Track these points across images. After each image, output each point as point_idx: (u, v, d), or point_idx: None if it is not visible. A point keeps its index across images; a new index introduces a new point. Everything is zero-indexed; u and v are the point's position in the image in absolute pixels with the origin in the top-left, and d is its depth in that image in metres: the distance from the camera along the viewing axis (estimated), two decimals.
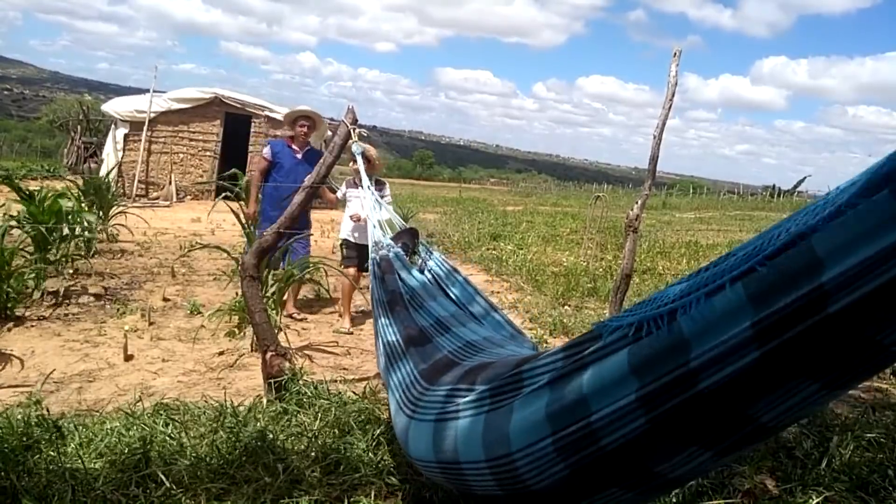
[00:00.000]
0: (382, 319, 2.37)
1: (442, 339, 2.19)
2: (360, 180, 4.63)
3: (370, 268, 2.73)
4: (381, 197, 4.73)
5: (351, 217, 5.23)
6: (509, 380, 1.51)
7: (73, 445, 2.64)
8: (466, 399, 1.63)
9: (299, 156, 5.65)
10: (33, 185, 8.37)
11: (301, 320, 5.55)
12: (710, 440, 1.17)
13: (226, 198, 6.67)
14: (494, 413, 1.49)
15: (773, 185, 41.54)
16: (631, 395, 1.16)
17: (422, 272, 2.71)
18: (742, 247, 1.08)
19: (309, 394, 3.28)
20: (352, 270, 5.31)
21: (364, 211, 4.45)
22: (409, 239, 2.96)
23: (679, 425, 1.15)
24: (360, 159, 3.77)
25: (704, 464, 1.23)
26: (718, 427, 1.14)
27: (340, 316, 5.59)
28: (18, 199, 6.45)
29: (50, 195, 6.58)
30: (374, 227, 3.03)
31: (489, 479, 1.48)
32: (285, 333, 4.44)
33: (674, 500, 2.50)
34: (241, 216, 6.01)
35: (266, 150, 5.73)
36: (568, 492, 1.35)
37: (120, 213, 8.94)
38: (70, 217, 6.54)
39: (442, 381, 1.87)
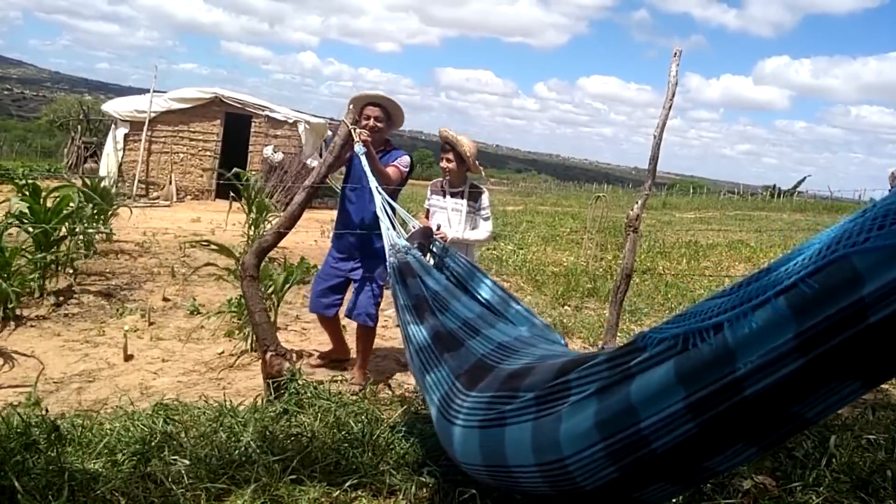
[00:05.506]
0: (411, 326, 2.38)
1: (473, 342, 2.20)
2: (447, 185, 3.80)
3: (390, 273, 2.71)
4: (477, 210, 3.85)
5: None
6: (554, 388, 1.56)
7: (72, 446, 2.64)
8: (511, 406, 1.67)
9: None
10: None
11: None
12: (757, 436, 1.24)
13: (233, 199, 6.62)
14: (541, 421, 1.55)
15: (774, 185, 41.52)
16: (679, 402, 1.23)
17: (440, 270, 2.70)
18: (781, 262, 1.15)
19: (309, 394, 3.27)
20: None
21: (451, 228, 3.65)
22: (423, 238, 2.92)
23: (726, 427, 1.22)
24: (364, 159, 3.43)
25: (750, 456, 1.31)
26: (764, 425, 1.22)
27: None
28: (21, 197, 6.40)
29: (57, 194, 6.53)
30: (388, 228, 2.97)
31: (540, 481, 1.55)
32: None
33: (674, 500, 2.49)
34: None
35: (402, 158, 3.87)
36: (619, 489, 1.42)
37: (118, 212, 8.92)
38: (72, 216, 6.51)
39: (481, 387, 1.90)
